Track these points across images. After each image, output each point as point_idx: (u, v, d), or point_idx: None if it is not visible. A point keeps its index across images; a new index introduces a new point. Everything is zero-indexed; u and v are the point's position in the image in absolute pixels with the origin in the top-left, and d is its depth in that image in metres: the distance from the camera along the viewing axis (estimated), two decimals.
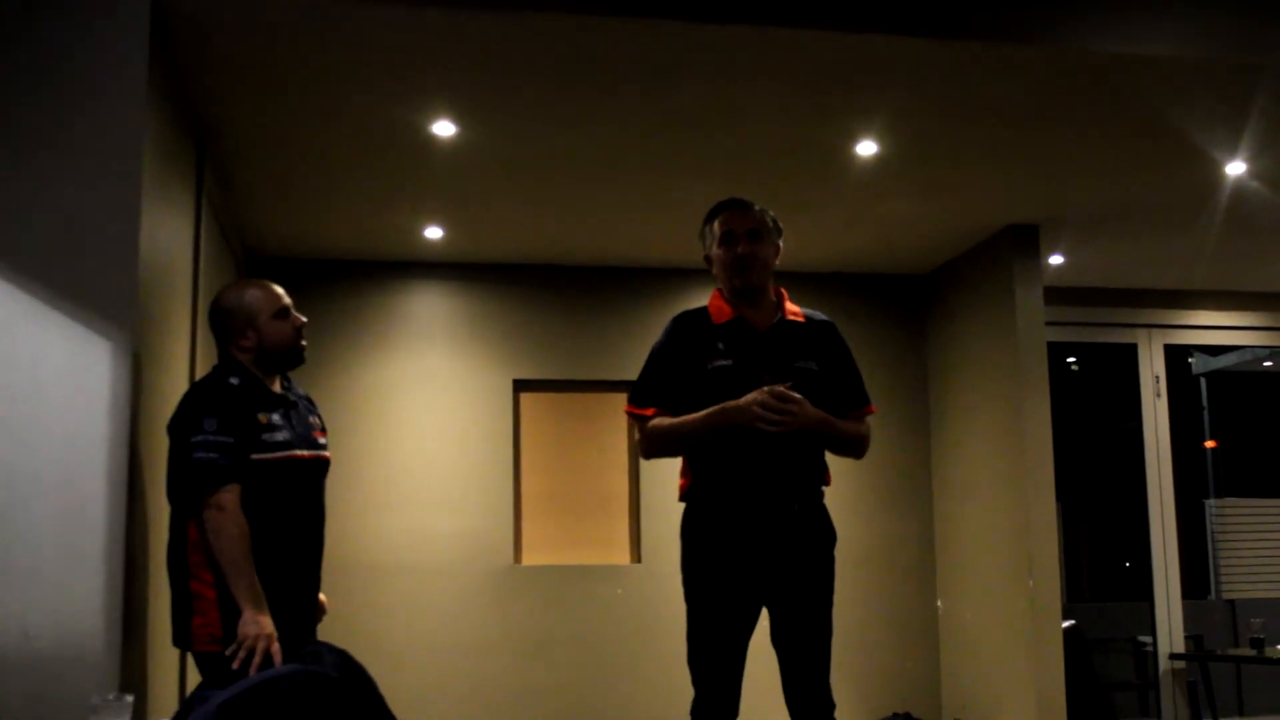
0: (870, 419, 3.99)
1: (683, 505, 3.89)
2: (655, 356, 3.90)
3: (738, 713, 3.75)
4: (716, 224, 3.88)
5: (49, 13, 3.78)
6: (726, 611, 3.72)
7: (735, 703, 3.73)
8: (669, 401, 3.81)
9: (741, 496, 3.72)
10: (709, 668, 3.72)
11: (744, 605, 3.73)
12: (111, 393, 3.62)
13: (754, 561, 3.71)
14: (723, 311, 3.87)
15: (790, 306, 3.93)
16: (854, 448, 3.93)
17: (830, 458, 3.90)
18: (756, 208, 3.90)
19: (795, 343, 3.85)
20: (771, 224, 3.91)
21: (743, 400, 3.65)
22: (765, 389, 3.64)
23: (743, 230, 3.84)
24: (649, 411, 3.84)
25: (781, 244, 3.95)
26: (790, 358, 3.81)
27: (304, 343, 3.79)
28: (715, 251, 3.88)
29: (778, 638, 3.77)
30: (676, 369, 3.83)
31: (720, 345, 3.81)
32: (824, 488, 3.87)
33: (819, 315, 3.98)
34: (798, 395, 3.66)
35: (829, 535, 3.83)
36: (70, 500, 3.53)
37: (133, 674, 3.65)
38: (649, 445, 3.87)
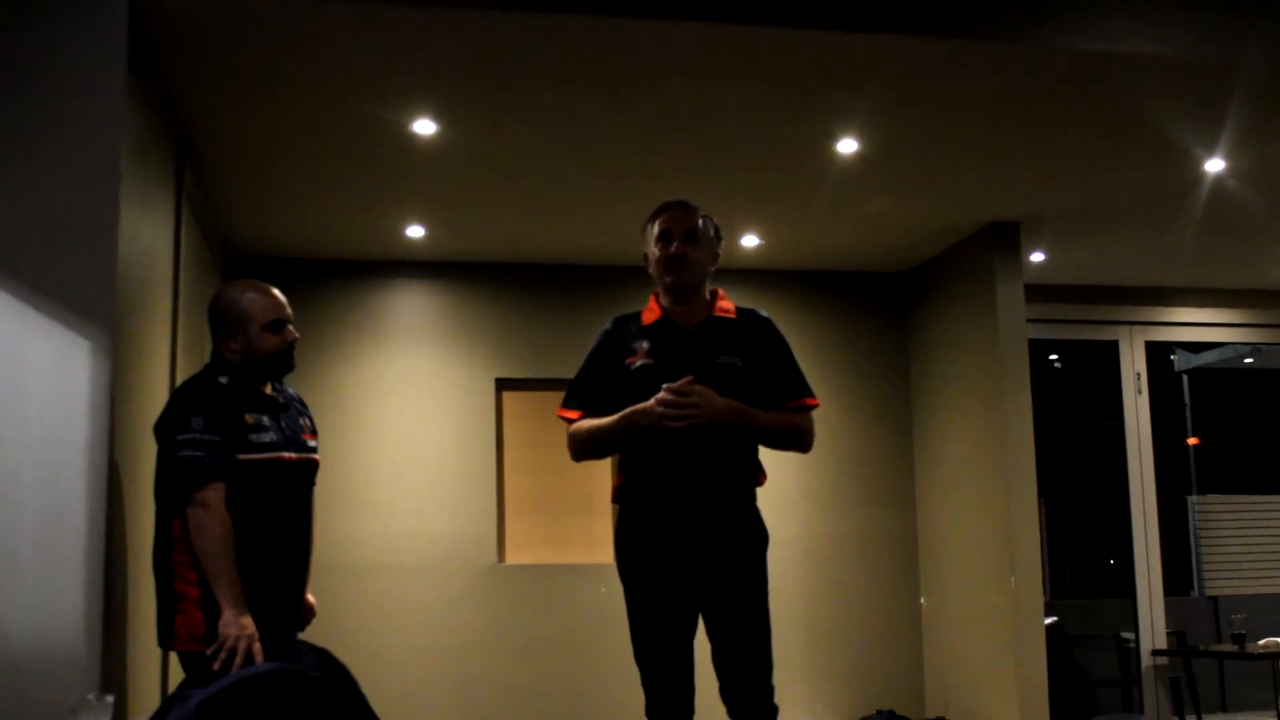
0: (813, 411, 3.92)
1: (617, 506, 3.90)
2: (586, 360, 3.94)
3: (693, 712, 3.74)
4: (656, 224, 3.89)
5: (26, 11, 3.77)
6: (660, 612, 3.71)
7: (688, 702, 3.72)
8: (594, 404, 3.83)
9: (667, 497, 3.72)
10: (653, 669, 3.72)
11: (677, 606, 3.71)
12: (91, 392, 3.61)
13: (683, 562, 3.70)
14: (652, 312, 3.90)
15: (723, 304, 3.92)
16: (787, 439, 3.87)
17: (767, 457, 3.86)
18: (699, 212, 3.91)
19: (721, 339, 3.83)
20: (712, 231, 3.92)
21: (647, 402, 3.66)
22: (665, 385, 3.64)
23: (679, 230, 3.85)
24: (574, 414, 3.87)
25: (720, 251, 3.97)
26: (713, 354, 3.79)
27: (293, 356, 3.76)
28: (651, 250, 3.90)
29: (710, 639, 3.74)
30: (603, 371, 3.86)
31: (645, 344, 3.82)
32: (757, 488, 3.84)
33: (757, 311, 3.96)
34: (698, 388, 3.63)
35: (759, 536, 3.80)
36: (50, 500, 3.52)
37: (113, 674, 3.64)
38: (573, 448, 3.89)
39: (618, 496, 3.87)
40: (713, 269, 3.93)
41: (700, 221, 3.88)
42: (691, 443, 3.66)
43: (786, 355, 3.91)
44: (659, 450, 3.70)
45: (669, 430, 3.63)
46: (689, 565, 3.70)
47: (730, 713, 3.73)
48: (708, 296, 3.93)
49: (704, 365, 3.74)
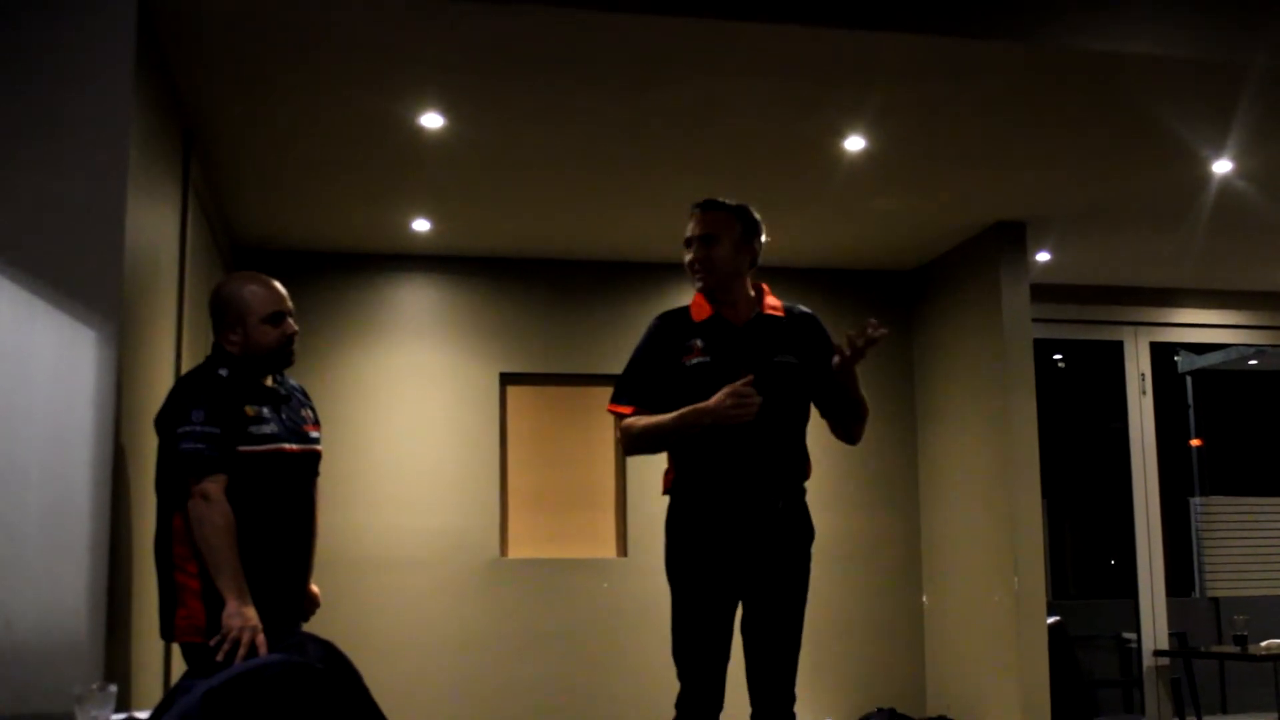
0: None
1: (667, 498, 3.91)
2: (636, 355, 3.95)
3: (722, 705, 3.77)
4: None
5: (34, 4, 3.77)
6: (709, 604, 3.75)
7: (720, 695, 3.76)
8: (648, 399, 3.85)
9: (724, 491, 3.76)
10: (694, 661, 3.75)
11: (725, 598, 3.77)
12: (97, 383, 3.62)
13: (735, 555, 3.74)
14: (702, 309, 3.92)
15: (770, 301, 3.96)
16: (860, 417, 3.96)
17: (813, 449, 3.92)
18: (724, 208, 3.91)
19: (774, 337, 3.88)
20: (741, 223, 3.90)
21: (710, 401, 3.68)
22: (725, 389, 3.65)
23: (696, 235, 3.88)
24: (627, 410, 3.88)
25: (760, 241, 3.96)
26: (769, 352, 3.84)
27: (293, 349, 3.75)
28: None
29: (748, 629, 3.80)
30: (656, 367, 3.88)
31: (699, 342, 3.85)
32: (805, 483, 3.90)
33: (800, 308, 4.01)
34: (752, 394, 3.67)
35: (808, 532, 3.87)
36: (55, 491, 3.53)
37: (117, 664, 3.65)
38: (627, 443, 3.92)
39: (670, 489, 3.89)
40: (750, 261, 3.92)
41: (723, 219, 3.88)
42: (747, 437, 3.71)
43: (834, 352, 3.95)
44: (715, 445, 3.73)
45: (733, 429, 3.67)
46: (739, 559, 3.75)
47: (754, 700, 3.79)
48: (752, 292, 3.95)
49: (761, 363, 3.78)
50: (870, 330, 3.71)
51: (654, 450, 3.91)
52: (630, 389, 3.90)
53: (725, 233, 3.87)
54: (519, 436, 7.38)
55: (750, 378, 3.66)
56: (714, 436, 3.71)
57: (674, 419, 3.74)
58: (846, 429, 4.00)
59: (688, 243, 3.89)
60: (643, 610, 6.98)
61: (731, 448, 3.73)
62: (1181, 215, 6.52)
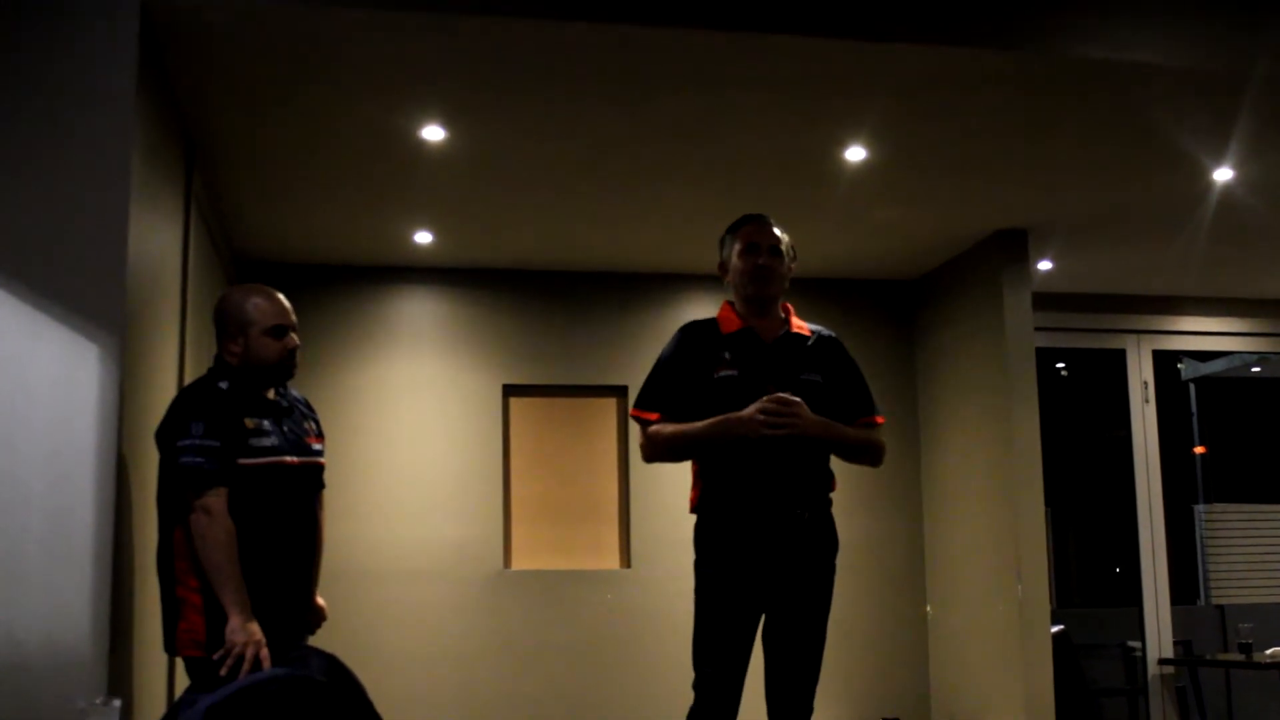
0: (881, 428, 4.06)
1: (694, 516, 3.94)
2: (663, 363, 3.98)
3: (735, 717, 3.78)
4: (740, 236, 3.99)
5: (38, 18, 3.78)
6: (734, 616, 3.77)
7: (735, 710, 3.77)
8: (673, 408, 3.88)
9: (751, 505, 3.77)
10: (716, 672, 3.76)
11: (750, 610, 3.78)
12: (99, 398, 3.62)
13: (761, 566, 3.76)
14: (731, 322, 3.96)
15: (796, 321, 4.02)
16: (865, 453, 3.99)
17: (836, 464, 3.96)
18: (778, 229, 4.02)
19: (801, 355, 3.93)
20: (789, 247, 4.02)
21: (745, 411, 3.72)
22: (766, 396, 3.71)
23: (765, 244, 3.95)
24: (653, 416, 3.91)
25: (793, 268, 4.06)
26: (796, 369, 3.88)
27: (294, 363, 3.75)
28: (735, 261, 3.97)
29: (770, 639, 3.81)
30: (682, 376, 3.90)
31: (727, 355, 3.89)
32: (830, 494, 3.93)
33: (825, 330, 4.06)
34: (797, 399, 3.73)
35: (833, 543, 3.90)
36: (58, 504, 3.52)
37: (120, 678, 3.65)
38: (651, 449, 3.93)
39: (697, 506, 3.91)
40: (786, 285, 4.02)
41: (782, 238, 4.00)
42: (780, 454, 3.74)
43: (858, 374, 4.04)
44: (743, 460, 3.76)
45: (761, 441, 3.70)
46: (765, 570, 3.76)
47: (772, 711, 3.80)
48: (781, 313, 4.01)
49: (788, 380, 3.83)
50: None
51: (678, 458, 3.94)
52: (656, 396, 3.93)
53: (783, 253, 3.98)
54: (522, 448, 7.38)
55: (789, 392, 3.73)
56: (741, 451, 3.75)
57: (706, 427, 3.78)
58: (855, 462, 4.04)
59: (753, 247, 3.94)
60: (646, 622, 6.97)
61: (758, 461, 3.75)
62: (1183, 223, 6.51)
